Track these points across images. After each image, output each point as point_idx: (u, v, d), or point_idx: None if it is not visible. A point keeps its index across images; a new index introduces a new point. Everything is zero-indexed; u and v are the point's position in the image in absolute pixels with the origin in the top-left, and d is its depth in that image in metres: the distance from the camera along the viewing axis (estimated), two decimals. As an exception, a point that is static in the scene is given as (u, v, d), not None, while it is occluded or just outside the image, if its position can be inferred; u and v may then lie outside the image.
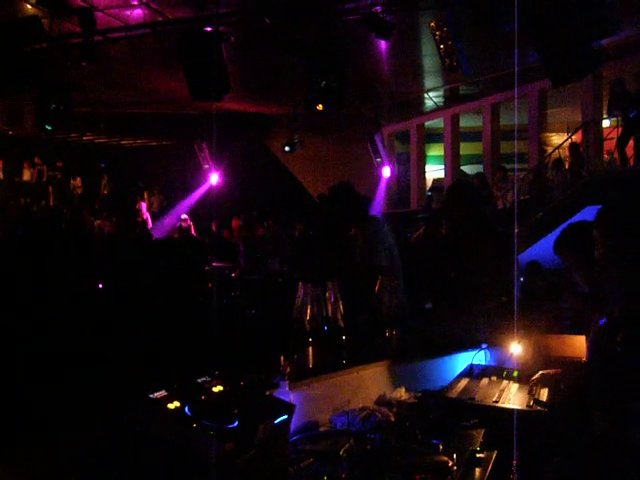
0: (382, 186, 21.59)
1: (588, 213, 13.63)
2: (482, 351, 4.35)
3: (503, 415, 3.26)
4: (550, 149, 17.99)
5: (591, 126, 15.75)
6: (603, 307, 2.78)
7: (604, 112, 15.80)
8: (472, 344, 4.35)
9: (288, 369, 3.13)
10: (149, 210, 19.56)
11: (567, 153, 16.40)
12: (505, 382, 3.79)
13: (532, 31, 8.14)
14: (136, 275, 6.94)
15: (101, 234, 14.84)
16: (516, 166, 19.79)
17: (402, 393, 3.62)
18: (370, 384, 3.70)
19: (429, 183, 22.92)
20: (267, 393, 2.85)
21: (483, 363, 4.30)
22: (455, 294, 5.18)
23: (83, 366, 3.44)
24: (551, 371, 3.70)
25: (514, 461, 2.73)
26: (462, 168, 21.28)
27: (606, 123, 16.64)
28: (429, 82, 18.33)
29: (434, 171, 23.20)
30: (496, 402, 3.43)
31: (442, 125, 21.48)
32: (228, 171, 19.14)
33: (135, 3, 11.44)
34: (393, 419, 3.26)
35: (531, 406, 3.33)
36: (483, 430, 3.06)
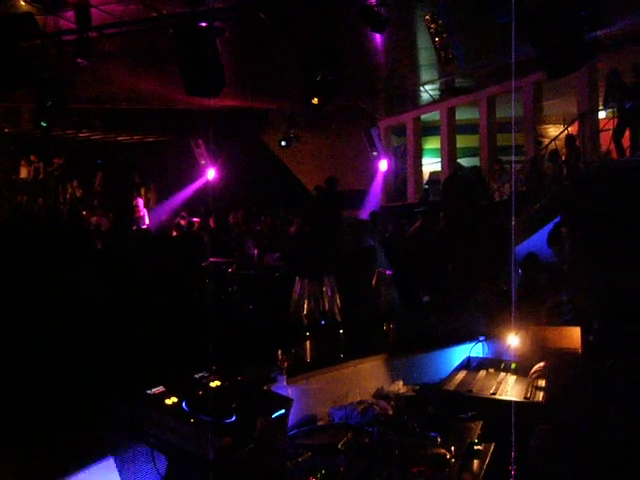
0: (379, 180, 21.61)
1: (585, 204, 13.66)
2: (480, 343, 4.36)
3: (501, 407, 3.27)
4: (546, 141, 17.99)
5: (587, 117, 15.74)
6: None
7: (600, 103, 15.79)
8: (470, 336, 4.36)
9: (286, 364, 3.14)
10: (146, 206, 19.52)
11: (563, 145, 16.39)
12: (503, 374, 3.80)
13: (527, 23, 8.14)
14: (133, 271, 6.93)
15: (98, 231, 14.84)
16: (514, 158, 19.78)
17: (400, 386, 3.63)
18: (368, 378, 3.71)
19: (426, 176, 22.91)
20: (265, 388, 2.86)
21: (481, 355, 4.31)
22: (452, 287, 5.19)
23: (81, 363, 3.44)
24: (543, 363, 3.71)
25: (512, 453, 2.74)
26: (459, 161, 21.26)
27: (602, 114, 16.64)
28: (425, 75, 18.30)
29: (431, 164, 23.19)
30: (494, 394, 3.44)
31: (438, 118, 21.46)
32: (224, 166, 19.14)
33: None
34: (391, 412, 3.27)
35: (528, 398, 3.34)
36: (481, 422, 3.07)
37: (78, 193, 21.04)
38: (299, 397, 3.04)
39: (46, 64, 11.62)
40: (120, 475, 2.33)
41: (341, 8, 10.73)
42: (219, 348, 2.75)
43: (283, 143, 18.51)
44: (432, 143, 23.28)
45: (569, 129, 16.39)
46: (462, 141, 21.66)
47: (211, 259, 9.12)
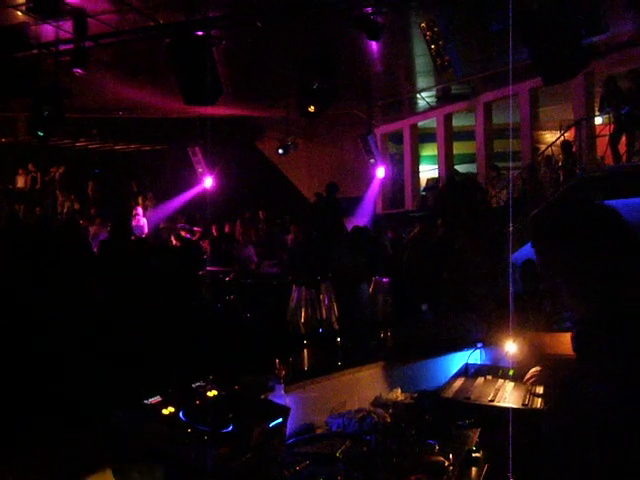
0: (376, 187, 21.63)
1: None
2: (477, 350, 4.36)
3: (499, 414, 3.27)
4: (543, 147, 18.03)
5: (583, 123, 15.78)
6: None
7: (596, 109, 15.83)
8: (467, 343, 4.36)
9: (283, 372, 3.13)
10: (144, 215, 19.52)
11: (560, 151, 16.44)
12: (500, 381, 3.80)
13: (523, 30, 8.17)
14: (131, 280, 6.93)
15: (96, 240, 14.79)
16: (511, 164, 19.83)
17: (398, 394, 3.63)
18: (366, 386, 3.70)
19: (423, 183, 22.95)
20: (262, 396, 2.85)
21: (478, 362, 4.31)
22: (450, 294, 5.19)
23: (77, 372, 3.43)
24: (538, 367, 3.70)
25: (510, 460, 2.73)
26: (456, 167, 21.30)
27: (598, 120, 16.68)
28: (421, 82, 18.35)
29: (428, 171, 23.23)
30: (492, 401, 3.43)
31: (435, 125, 21.51)
32: (221, 174, 19.15)
33: (126, 8, 11.44)
34: (389, 420, 3.26)
35: (527, 404, 3.33)
36: (479, 429, 3.07)
37: (76, 205, 21.03)
38: (297, 405, 3.04)
39: (42, 74, 11.65)
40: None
41: (337, 16, 10.77)
42: (216, 357, 2.75)
43: (280, 151, 18.52)
44: (429, 150, 23.32)
45: (565, 135, 16.42)
46: (459, 148, 21.71)
47: (208, 268, 9.13)
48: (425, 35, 10.63)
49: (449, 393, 3.60)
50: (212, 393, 2.50)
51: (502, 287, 4.71)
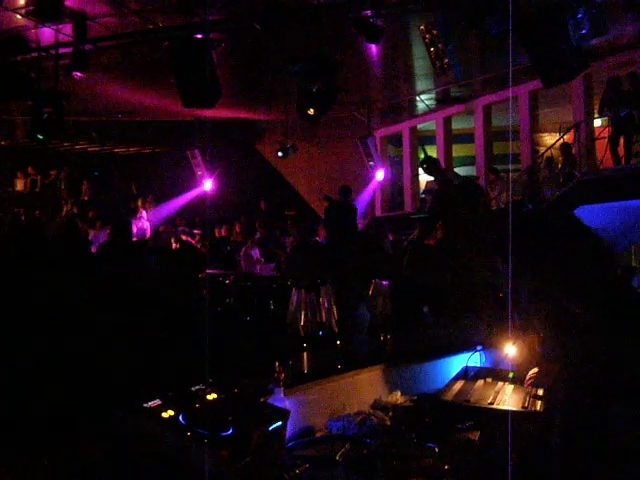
0: (376, 189, 21.63)
1: (581, 212, 13.70)
2: (477, 353, 4.35)
3: (499, 417, 3.26)
4: (542, 149, 18.03)
5: (583, 126, 15.79)
6: None
7: (595, 112, 15.84)
8: (467, 346, 4.35)
9: (283, 375, 3.13)
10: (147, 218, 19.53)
11: (559, 153, 16.44)
12: (500, 384, 3.79)
13: (522, 33, 8.17)
14: (131, 283, 6.92)
15: (96, 243, 14.77)
16: (510, 167, 19.84)
17: (398, 397, 3.63)
18: (365, 388, 3.70)
19: (422, 185, 22.93)
20: (262, 400, 2.85)
21: (478, 365, 4.30)
22: (450, 296, 5.19)
23: (76, 375, 3.43)
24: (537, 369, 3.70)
25: (509, 462, 2.73)
26: (455, 170, 21.30)
27: (598, 123, 16.69)
28: (421, 85, 18.35)
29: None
30: (491, 404, 3.43)
31: (434, 127, 21.52)
32: (221, 177, 19.14)
33: (125, 11, 11.45)
34: (389, 423, 3.26)
35: (526, 407, 3.33)
36: (479, 432, 3.07)
37: (75, 209, 21.02)
38: (296, 408, 3.04)
39: (42, 77, 11.65)
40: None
41: (336, 19, 10.77)
42: (216, 360, 2.75)
43: (280, 154, 18.51)
44: (428, 152, 23.28)
45: (565, 137, 16.42)
46: (458, 150, 21.72)
47: (208, 271, 9.12)
48: (424, 38, 10.62)
49: (449, 396, 3.60)
50: (212, 396, 2.50)
51: (502, 290, 4.70)
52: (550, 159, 16.63)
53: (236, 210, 19.75)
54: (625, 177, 13.59)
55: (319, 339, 3.80)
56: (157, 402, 2.39)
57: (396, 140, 23.57)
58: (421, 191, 22.41)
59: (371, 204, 22.14)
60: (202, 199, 19.54)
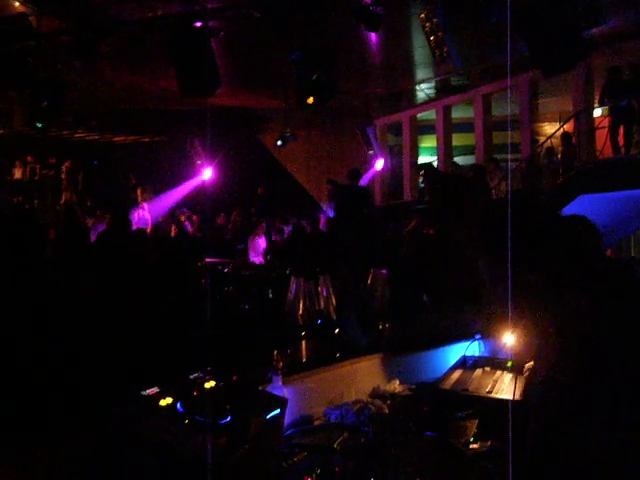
0: (375, 178, 21.61)
1: (581, 202, 13.70)
2: (476, 342, 4.35)
3: (497, 405, 3.27)
4: (542, 139, 18.00)
5: (583, 115, 15.76)
6: None
7: (596, 101, 15.80)
8: (466, 335, 4.36)
9: (281, 364, 3.13)
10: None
11: (559, 142, 16.40)
12: (499, 372, 3.80)
13: (521, 21, 8.13)
14: (129, 272, 6.92)
15: (95, 232, 14.74)
16: (509, 156, 19.80)
17: (396, 385, 3.63)
18: (364, 377, 3.70)
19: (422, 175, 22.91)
20: (260, 388, 2.85)
21: (477, 354, 4.31)
22: (449, 285, 5.18)
23: (75, 363, 3.43)
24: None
25: (509, 451, 2.73)
26: (455, 159, 21.27)
27: (598, 112, 16.65)
28: (420, 74, 18.31)
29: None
30: (490, 392, 3.43)
31: (434, 117, 21.47)
32: (221, 166, 19.12)
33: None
34: (387, 412, 3.26)
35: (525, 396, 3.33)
36: (477, 421, 3.07)
37: (74, 197, 20.99)
38: (295, 397, 3.04)
39: (41, 64, 11.60)
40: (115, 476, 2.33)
41: (336, 7, 10.72)
42: (214, 348, 2.75)
43: (279, 142, 18.48)
44: (428, 142, 23.27)
45: (565, 127, 16.39)
46: (458, 139, 21.68)
47: (207, 259, 9.13)
48: (424, 27, 10.59)
49: (447, 384, 3.61)
50: (210, 384, 2.50)
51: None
52: (550, 149, 16.60)
53: (235, 199, 19.73)
54: (625, 166, 13.58)
55: (317, 328, 3.80)
56: (155, 390, 2.40)
57: (396, 129, 23.53)
58: (420, 180, 22.40)
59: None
60: (202, 188, 19.52)
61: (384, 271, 4.58)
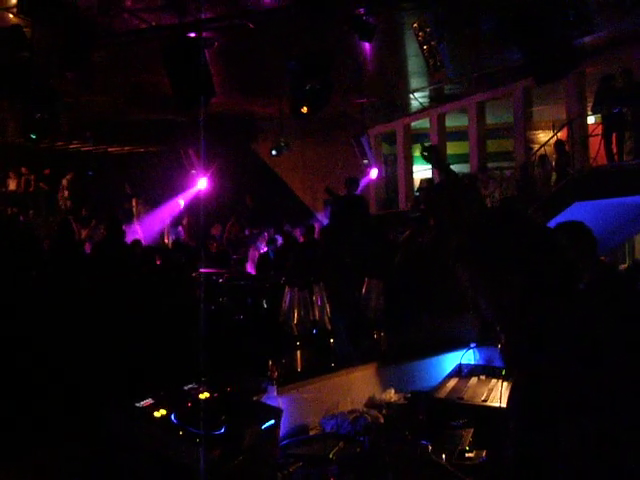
0: (370, 187, 21.62)
1: (575, 209, 13.75)
2: (471, 350, 4.35)
3: (492, 414, 3.27)
4: (536, 147, 18.06)
5: (576, 123, 15.81)
6: None
7: (589, 109, 15.86)
8: (461, 343, 4.35)
9: (276, 373, 3.13)
10: (136, 218, 19.52)
11: (553, 150, 16.46)
12: (494, 381, 3.80)
13: (514, 29, 8.16)
14: (124, 283, 6.92)
15: (89, 243, 14.75)
16: (504, 164, 19.86)
17: (391, 394, 3.62)
18: (359, 386, 3.70)
19: (417, 183, 22.94)
20: (255, 398, 2.85)
21: (472, 362, 4.30)
22: (443, 294, 5.18)
23: (70, 375, 3.43)
24: None
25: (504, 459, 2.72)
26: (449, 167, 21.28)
27: (591, 120, 16.72)
28: (414, 83, 18.35)
29: (422, 171, 23.22)
30: (485, 401, 3.43)
31: (428, 125, 21.51)
32: (215, 176, 19.13)
33: (119, 10, 11.41)
34: (382, 421, 3.25)
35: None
36: (472, 429, 3.07)
37: (69, 203, 20.97)
38: (290, 407, 3.03)
39: (35, 76, 11.58)
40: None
41: (330, 17, 10.74)
42: (209, 359, 2.74)
43: (274, 152, 18.50)
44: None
45: (558, 135, 16.45)
46: (452, 148, 21.72)
47: (201, 270, 9.11)
48: (417, 36, 10.62)
49: (442, 393, 3.61)
50: (204, 395, 2.49)
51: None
52: (544, 156, 16.65)
53: (229, 209, 19.72)
54: (618, 174, 13.63)
55: (312, 337, 3.79)
56: (149, 401, 2.39)
57: (390, 138, 23.56)
58: (415, 189, 22.43)
59: (365, 202, 22.12)
60: (197, 199, 19.52)
61: (379, 280, 4.58)
